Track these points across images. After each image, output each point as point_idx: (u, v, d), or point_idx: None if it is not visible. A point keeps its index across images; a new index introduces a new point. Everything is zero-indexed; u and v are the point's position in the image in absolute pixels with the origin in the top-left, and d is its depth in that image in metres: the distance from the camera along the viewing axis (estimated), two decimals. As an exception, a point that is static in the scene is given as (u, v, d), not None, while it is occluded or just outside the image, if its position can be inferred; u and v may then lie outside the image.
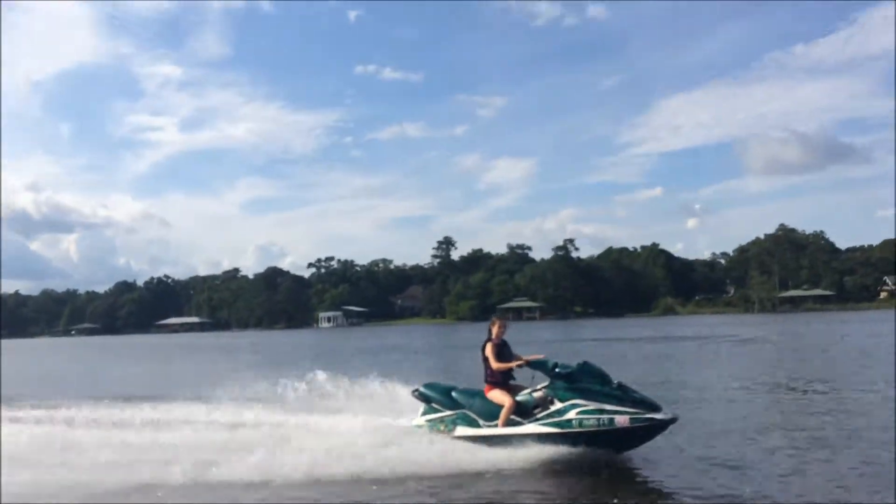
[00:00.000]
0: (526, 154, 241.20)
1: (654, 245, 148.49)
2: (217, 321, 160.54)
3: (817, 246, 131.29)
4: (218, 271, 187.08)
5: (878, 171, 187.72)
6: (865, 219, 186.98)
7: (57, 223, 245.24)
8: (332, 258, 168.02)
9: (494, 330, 10.61)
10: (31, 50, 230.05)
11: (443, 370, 24.93)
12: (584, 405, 9.52)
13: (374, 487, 8.98)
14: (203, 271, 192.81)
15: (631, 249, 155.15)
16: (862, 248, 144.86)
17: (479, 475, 9.28)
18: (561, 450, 9.52)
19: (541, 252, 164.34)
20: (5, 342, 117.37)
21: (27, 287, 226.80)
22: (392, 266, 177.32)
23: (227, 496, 8.81)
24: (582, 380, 9.74)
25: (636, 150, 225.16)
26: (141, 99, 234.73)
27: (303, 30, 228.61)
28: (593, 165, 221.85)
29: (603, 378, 9.85)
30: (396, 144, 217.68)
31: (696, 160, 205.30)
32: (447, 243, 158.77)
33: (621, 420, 9.43)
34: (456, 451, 9.75)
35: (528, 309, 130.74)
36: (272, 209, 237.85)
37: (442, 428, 10.37)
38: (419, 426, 10.56)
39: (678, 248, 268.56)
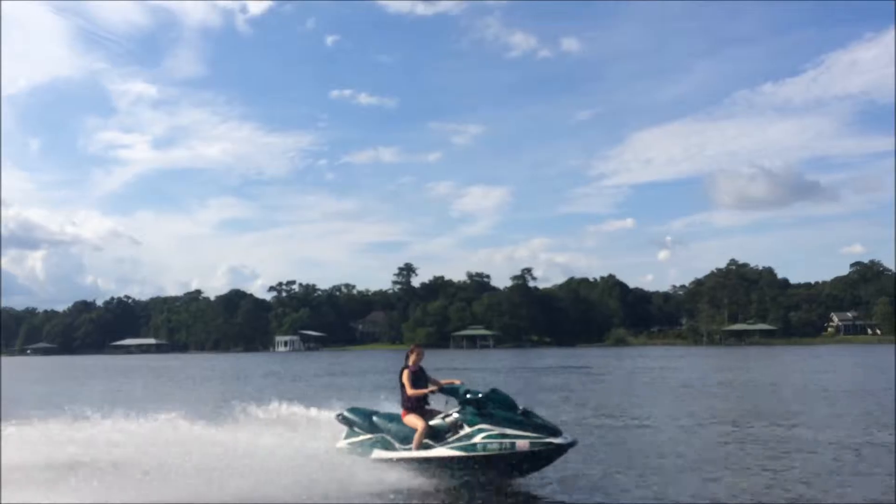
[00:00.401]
0: (499, 183, 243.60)
1: (611, 276, 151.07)
2: (175, 343, 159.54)
3: (767, 281, 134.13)
4: (185, 292, 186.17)
5: (842, 210, 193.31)
6: (830, 255, 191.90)
7: (23, 240, 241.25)
8: (293, 282, 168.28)
9: (412, 358, 11.07)
10: (4, 63, 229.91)
11: (377, 394, 25.65)
12: (490, 430, 10.00)
13: None
14: (172, 291, 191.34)
15: (592, 280, 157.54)
16: (808, 284, 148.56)
17: (389, 496, 9.66)
18: (467, 472, 10.05)
19: (504, 281, 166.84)
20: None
21: None
22: (355, 291, 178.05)
23: None
24: (489, 406, 10.17)
25: (608, 181, 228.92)
26: (113, 116, 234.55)
27: (280, 52, 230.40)
28: (566, 196, 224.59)
29: (509, 404, 10.29)
30: (370, 169, 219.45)
31: (666, 193, 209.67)
32: (408, 270, 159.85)
33: (522, 444, 9.90)
34: (369, 473, 10.12)
35: (483, 337, 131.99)
36: (245, 230, 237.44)
37: (360, 451, 10.78)
38: (341, 449, 10.95)
39: (649, 280, 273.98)
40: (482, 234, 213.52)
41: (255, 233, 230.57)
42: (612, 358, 66.46)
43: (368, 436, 10.91)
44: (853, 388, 28.69)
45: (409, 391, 10.72)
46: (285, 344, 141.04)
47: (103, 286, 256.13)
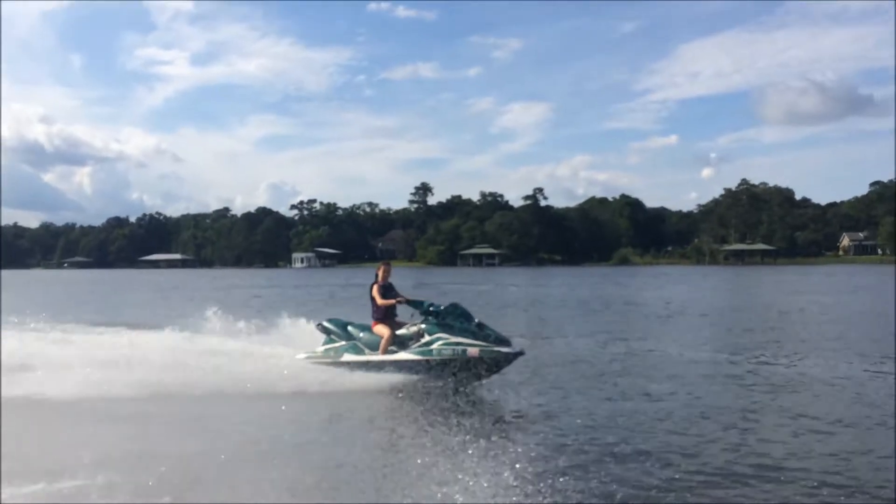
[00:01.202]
0: (540, 98, 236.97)
1: (623, 196, 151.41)
2: (202, 259, 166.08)
3: (778, 200, 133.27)
4: (214, 209, 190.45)
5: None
6: (884, 172, 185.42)
7: (69, 156, 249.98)
8: (314, 200, 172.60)
9: (381, 274, 12.24)
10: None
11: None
12: (447, 338, 11.10)
13: (274, 402, 10.23)
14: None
15: (611, 200, 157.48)
16: (831, 204, 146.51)
17: (352, 394, 10.88)
18: (423, 374, 11.18)
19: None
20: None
21: (41, 218, 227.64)
22: (377, 210, 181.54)
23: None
24: (448, 318, 11.25)
25: (653, 96, 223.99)
26: (152, 32, 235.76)
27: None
28: (609, 112, 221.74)
29: (466, 317, 11.35)
30: (410, 85, 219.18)
31: (714, 108, 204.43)
32: (424, 189, 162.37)
33: (472, 351, 10.97)
34: (338, 374, 11.50)
35: (489, 255, 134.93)
36: (285, 147, 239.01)
37: (332, 355, 12.05)
38: (316, 354, 12.27)
39: (692, 197, 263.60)
40: (523, 151, 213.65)
41: (295, 150, 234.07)
42: (582, 277, 68.88)
43: (343, 343, 12.12)
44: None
45: (379, 301, 11.92)
46: (301, 261, 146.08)
47: (148, 202, 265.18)
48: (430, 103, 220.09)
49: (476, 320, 11.35)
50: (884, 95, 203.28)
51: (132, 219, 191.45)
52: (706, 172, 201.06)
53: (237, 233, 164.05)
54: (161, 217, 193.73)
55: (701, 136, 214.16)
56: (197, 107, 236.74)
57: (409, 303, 11.84)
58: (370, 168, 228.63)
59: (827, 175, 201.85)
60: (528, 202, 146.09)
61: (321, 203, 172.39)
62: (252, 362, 12.00)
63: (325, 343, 12.34)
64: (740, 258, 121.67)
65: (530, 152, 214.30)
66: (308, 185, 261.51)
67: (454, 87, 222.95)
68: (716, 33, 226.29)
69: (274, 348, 13.04)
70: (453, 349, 11.02)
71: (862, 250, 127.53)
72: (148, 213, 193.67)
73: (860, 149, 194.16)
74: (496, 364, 11.18)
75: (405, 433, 8.60)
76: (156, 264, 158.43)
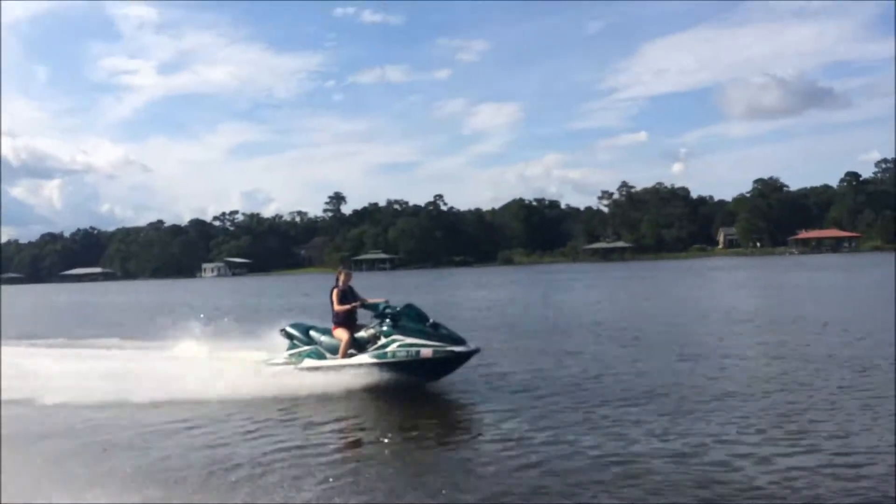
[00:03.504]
0: (510, 99, 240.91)
1: (521, 199, 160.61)
2: (126, 272, 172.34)
3: (653, 202, 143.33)
4: (148, 223, 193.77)
5: (858, 116, 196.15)
6: (848, 163, 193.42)
7: (36, 169, 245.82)
8: (236, 211, 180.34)
9: (341, 278, 12.25)
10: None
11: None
12: (402, 340, 11.10)
13: (235, 408, 10.68)
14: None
15: (529, 203, 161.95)
16: (721, 202, 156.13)
17: (311, 398, 11.09)
18: (380, 377, 11.23)
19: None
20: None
21: (12, 233, 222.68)
22: (306, 218, 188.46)
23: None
24: (403, 319, 11.31)
25: (621, 94, 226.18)
26: (117, 41, 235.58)
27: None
28: (579, 110, 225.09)
29: (421, 317, 11.39)
30: (379, 88, 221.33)
31: (681, 104, 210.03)
32: (337, 198, 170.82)
33: (425, 352, 10.98)
34: (297, 379, 11.62)
35: (381, 260, 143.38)
36: (257, 154, 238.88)
37: (294, 361, 12.21)
38: (281, 361, 12.45)
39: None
40: (495, 151, 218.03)
41: (267, 157, 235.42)
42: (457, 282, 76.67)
43: (305, 347, 12.24)
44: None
45: (336, 307, 12.00)
46: (212, 270, 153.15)
47: (120, 214, 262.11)
48: (401, 106, 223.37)
49: (431, 320, 11.44)
50: (847, 88, 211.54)
51: (66, 234, 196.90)
52: (677, 168, 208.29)
53: (158, 245, 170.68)
54: (95, 231, 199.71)
55: (670, 132, 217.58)
56: (166, 116, 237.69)
57: (366, 306, 12.00)
58: (343, 173, 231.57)
59: (792, 167, 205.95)
60: (428, 208, 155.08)
61: (244, 214, 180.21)
62: (221, 368, 12.35)
63: (290, 348, 12.53)
64: (606, 256, 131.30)
65: (502, 153, 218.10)
66: (281, 191, 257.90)
67: (423, 90, 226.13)
68: (680, 31, 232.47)
69: (236, 353, 13.53)
70: (407, 350, 11.09)
71: (735, 244, 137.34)
72: (81, 227, 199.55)
73: (824, 141, 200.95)
74: (450, 363, 11.34)
75: (347, 437, 9.20)
76: (79, 278, 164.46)
